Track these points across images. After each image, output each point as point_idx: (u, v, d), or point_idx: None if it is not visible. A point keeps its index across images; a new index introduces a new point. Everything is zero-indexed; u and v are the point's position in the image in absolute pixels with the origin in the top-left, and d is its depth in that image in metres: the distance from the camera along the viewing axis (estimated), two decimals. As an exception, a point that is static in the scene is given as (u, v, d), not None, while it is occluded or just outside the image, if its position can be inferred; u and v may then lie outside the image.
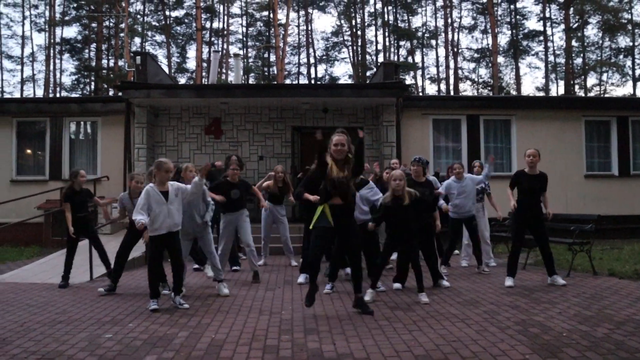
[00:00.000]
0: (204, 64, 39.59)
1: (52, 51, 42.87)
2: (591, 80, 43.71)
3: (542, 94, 41.82)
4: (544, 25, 42.94)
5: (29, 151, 16.10)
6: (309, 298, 6.23)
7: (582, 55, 41.51)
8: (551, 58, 43.02)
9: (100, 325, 5.90)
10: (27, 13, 43.98)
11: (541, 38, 43.17)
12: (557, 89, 42.85)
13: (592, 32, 50.30)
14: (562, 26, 41.57)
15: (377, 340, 5.18)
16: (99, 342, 5.24)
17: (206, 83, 28.80)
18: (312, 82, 42.75)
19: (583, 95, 39.27)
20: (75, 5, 42.65)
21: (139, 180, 8.11)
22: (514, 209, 8.01)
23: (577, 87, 41.53)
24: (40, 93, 42.20)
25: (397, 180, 7.00)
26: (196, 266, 9.89)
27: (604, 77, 42.65)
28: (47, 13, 43.41)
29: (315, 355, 4.74)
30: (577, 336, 5.19)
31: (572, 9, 39.77)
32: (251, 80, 43.13)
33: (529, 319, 5.95)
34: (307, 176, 7.00)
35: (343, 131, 6.49)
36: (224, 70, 40.67)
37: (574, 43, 40.83)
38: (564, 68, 41.50)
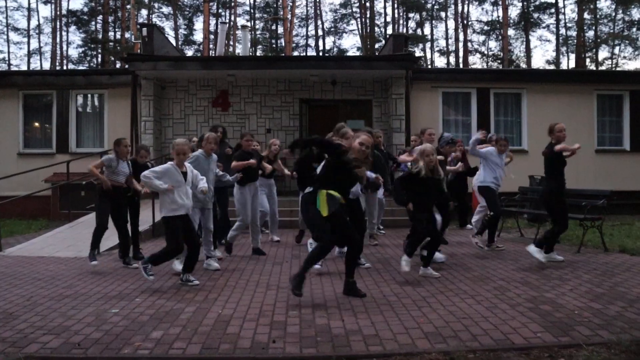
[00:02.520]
0: (211, 36, 39.23)
1: (58, 23, 42.63)
2: (603, 53, 43.22)
3: (552, 67, 41.24)
4: (556, -3, 42.27)
5: (35, 124, 16.09)
6: (299, 287, 6.04)
7: (594, 27, 40.92)
8: (562, 31, 42.45)
9: (107, 300, 5.87)
10: (33, -16, 43.67)
11: (552, 10, 42.46)
12: (568, 62, 42.32)
13: (605, 4, 49.70)
14: (574, -2, 40.93)
15: (386, 316, 5.12)
16: (106, 317, 5.20)
17: (213, 55, 28.58)
18: (320, 54, 42.36)
19: (594, 68, 38.73)
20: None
21: (126, 144, 8.01)
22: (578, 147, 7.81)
23: (588, 60, 40.97)
24: (47, 66, 42.09)
25: (429, 156, 6.86)
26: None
27: (616, 50, 42.16)
28: (53, -16, 43.08)
29: (324, 332, 4.68)
30: (589, 314, 5.10)
31: (585, -20, 39.13)
32: (259, 53, 42.79)
33: (540, 295, 5.86)
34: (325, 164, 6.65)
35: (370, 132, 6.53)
36: (231, 43, 40.35)
37: (586, 15, 40.25)
38: (575, 41, 40.90)
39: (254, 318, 5.12)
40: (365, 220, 6.42)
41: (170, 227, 6.62)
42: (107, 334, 4.68)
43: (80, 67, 40.72)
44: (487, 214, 9.20)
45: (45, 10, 68.25)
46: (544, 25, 43.33)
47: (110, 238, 8.82)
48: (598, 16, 40.83)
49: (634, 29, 40.69)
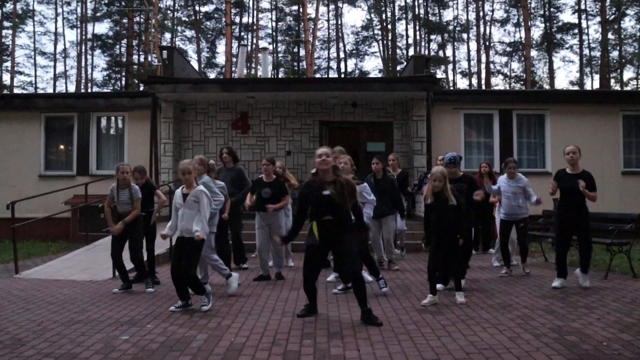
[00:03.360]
0: (234, 59, 39.48)
1: (83, 47, 43.29)
2: (628, 73, 42.67)
3: (576, 88, 40.79)
4: (579, 18, 41.89)
5: (57, 146, 16.15)
6: (304, 313, 6.04)
7: (618, 48, 40.44)
8: (586, 51, 41.98)
9: (117, 326, 5.74)
10: (59, 10, 44.52)
11: (576, 31, 42.08)
12: (592, 83, 41.82)
13: (629, 24, 48.99)
14: (598, 18, 40.49)
15: (403, 346, 4.91)
16: (115, 344, 5.06)
17: (234, 77, 28.68)
18: (342, 76, 42.38)
19: (619, 89, 38.21)
20: (106, 1, 42.92)
21: (123, 170, 7.83)
22: (552, 189, 7.62)
23: (612, 81, 40.46)
24: (72, 89, 42.59)
25: (436, 182, 6.67)
26: (243, 265, 9.76)
27: (641, 70, 41.57)
28: (79, 9, 43.88)
29: (338, 363, 4.49)
30: (618, 346, 4.84)
31: (608, 0, 38.73)
32: (281, 75, 42.95)
33: (565, 325, 5.61)
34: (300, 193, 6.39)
35: (338, 150, 6.27)
36: (253, 65, 40.60)
37: (610, 35, 39.77)
38: (599, 62, 40.42)
39: (267, 347, 4.95)
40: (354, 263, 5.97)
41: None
42: (115, 362, 4.55)
43: (105, 90, 41.20)
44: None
45: (72, 35, 69.49)
46: (567, 46, 42.98)
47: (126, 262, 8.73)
48: (622, 36, 40.35)
49: (659, 49, 40.18)
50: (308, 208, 5.99)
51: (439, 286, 7.46)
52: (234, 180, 9.56)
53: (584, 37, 42.15)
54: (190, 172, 6.69)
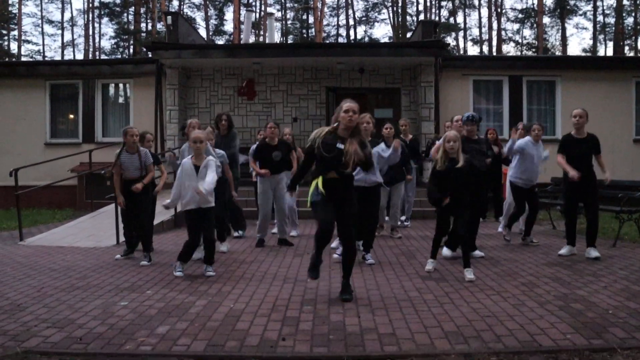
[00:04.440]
0: (242, 27, 39.01)
1: (91, 15, 42.97)
2: (642, 41, 41.87)
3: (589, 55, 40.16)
4: (594, -17, 41.11)
5: (62, 114, 16.06)
6: (313, 270, 5.61)
7: (634, 14, 39.66)
8: (600, 18, 41.26)
9: (117, 292, 5.69)
10: (66, -23, 44.05)
11: (590, -4, 41.36)
12: (606, 50, 41.19)
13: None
14: (613, -17, 39.70)
15: (405, 313, 4.83)
16: (113, 310, 5.01)
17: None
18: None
19: (633, 56, 37.57)
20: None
21: (133, 133, 7.44)
22: (577, 178, 7.36)
23: (627, 48, 39.83)
24: (80, 57, 42.37)
25: (450, 142, 6.43)
26: (237, 233, 9.59)
27: (656, 37, 40.86)
28: (86, -24, 43.40)
29: (338, 330, 4.42)
30: (624, 314, 4.74)
31: (624, -35, 37.92)
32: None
33: (571, 292, 5.50)
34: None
35: (353, 101, 5.60)
36: (261, 33, 40.16)
37: (625, 1, 38.97)
38: (613, 28, 39.67)
39: (266, 313, 4.88)
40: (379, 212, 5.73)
41: (186, 221, 6.71)
42: (111, 328, 4.50)
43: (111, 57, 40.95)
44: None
45: (79, 3, 69.07)
46: (580, 12, 42.20)
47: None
48: (638, 2, 39.54)
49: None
50: (313, 161, 5.58)
51: (446, 252, 7.38)
52: (227, 144, 9.31)
53: (598, 3, 41.37)
54: (202, 141, 6.57)
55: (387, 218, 9.94)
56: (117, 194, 7.52)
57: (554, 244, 8.50)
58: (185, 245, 6.57)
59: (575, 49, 53.57)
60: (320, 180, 5.37)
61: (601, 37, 41.52)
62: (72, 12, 47.83)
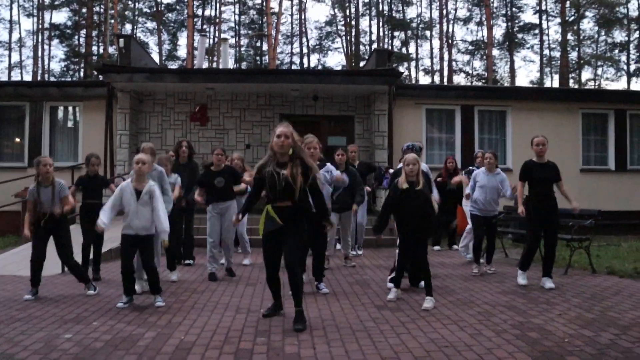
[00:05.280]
0: (195, 52, 38.81)
1: (40, 37, 42.09)
2: (586, 74, 43.51)
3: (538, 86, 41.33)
4: (540, 18, 42.45)
5: (7, 137, 15.53)
6: (270, 312, 5.70)
7: (577, 49, 41.10)
8: (546, 51, 42.58)
9: (61, 324, 5.41)
10: (15, -4, 43.13)
11: (537, 31, 42.68)
12: (552, 83, 42.34)
13: (588, 25, 49.87)
14: (558, 19, 41.03)
15: (361, 344, 4.72)
16: (56, 343, 4.75)
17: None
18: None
19: (580, 88, 38.84)
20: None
21: (46, 163, 6.93)
22: (522, 214, 7.43)
23: (571, 81, 41.05)
24: (28, 79, 41.38)
25: (410, 165, 6.38)
26: (187, 261, 9.33)
27: (599, 71, 42.40)
28: (35, -3, 42.60)
29: (293, 362, 4.27)
30: (580, 342, 4.74)
31: (568, 2, 39.30)
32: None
33: (527, 321, 5.49)
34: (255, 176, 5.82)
35: (288, 124, 5.55)
36: (215, 59, 40.02)
37: (569, 37, 40.37)
38: (559, 62, 40.99)
39: (219, 345, 4.70)
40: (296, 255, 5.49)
41: (120, 245, 6.47)
42: (53, 363, 4.25)
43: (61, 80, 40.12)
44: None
45: (28, 24, 67.73)
46: (528, 45, 43.52)
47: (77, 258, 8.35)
48: (581, 37, 41.04)
49: (616, 51, 40.98)
50: (262, 189, 5.57)
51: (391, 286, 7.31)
52: (190, 175, 9.16)
53: (545, 37, 42.78)
54: (146, 162, 6.39)
55: (339, 246, 9.84)
56: (25, 227, 7.03)
57: (508, 272, 8.54)
58: (121, 274, 6.31)
59: (523, 80, 55.19)
60: (270, 209, 5.33)
61: (548, 70, 42.81)
62: (20, 33, 46.79)
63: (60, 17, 51.74)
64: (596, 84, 41.77)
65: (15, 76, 42.51)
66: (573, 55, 41.20)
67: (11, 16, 43.20)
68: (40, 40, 42.11)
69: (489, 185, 8.44)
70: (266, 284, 5.81)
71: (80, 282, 7.10)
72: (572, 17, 40.05)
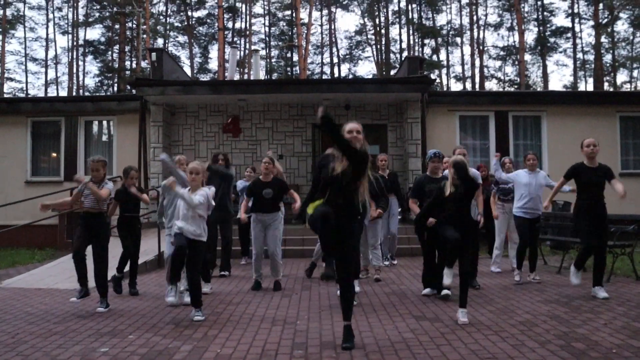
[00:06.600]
0: (226, 64, 39.16)
1: (75, 53, 42.94)
2: (621, 77, 42.57)
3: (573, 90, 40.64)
4: (572, 22, 41.80)
5: (44, 152, 15.79)
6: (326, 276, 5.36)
7: (612, 51, 40.36)
8: (579, 55, 41.90)
9: (97, 337, 5.40)
10: (50, 15, 44.14)
11: (569, 35, 42.01)
12: (586, 86, 41.66)
13: (622, 27, 49.02)
14: (591, 22, 40.34)
15: (400, 356, 4.61)
16: (93, 357, 4.74)
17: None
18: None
19: (617, 91, 38.10)
20: (98, 6, 42.66)
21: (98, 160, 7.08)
22: (547, 209, 7.28)
23: (606, 84, 40.28)
24: (64, 95, 42.16)
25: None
26: (223, 272, 9.32)
27: (635, 73, 41.53)
28: (70, 15, 43.51)
29: (331, 375, 4.18)
30: (629, 353, 4.55)
31: (601, 4, 38.62)
32: (273, 80, 42.63)
33: (571, 331, 5.31)
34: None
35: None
36: (245, 70, 40.32)
37: (603, 39, 39.65)
38: (593, 65, 40.29)
39: (256, 358, 4.63)
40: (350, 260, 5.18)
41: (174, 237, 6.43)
42: (90, 377, 4.23)
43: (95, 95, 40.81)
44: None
45: (63, 41, 69.11)
46: (560, 49, 42.87)
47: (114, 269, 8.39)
48: (615, 39, 40.29)
49: (653, 52, 40.17)
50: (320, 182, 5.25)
51: (427, 291, 7.23)
52: (225, 186, 9.13)
53: (577, 40, 42.10)
54: (199, 172, 6.36)
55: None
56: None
57: (548, 281, 8.34)
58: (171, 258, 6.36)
59: (556, 85, 54.33)
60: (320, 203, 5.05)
61: (581, 73, 42.11)
62: (56, 50, 47.88)
63: (94, 33, 52.54)
64: (632, 86, 40.91)
65: (52, 92, 43.43)
66: (607, 57, 40.46)
67: (47, 34, 44.21)
68: (75, 56, 43.02)
69: (533, 183, 8.30)
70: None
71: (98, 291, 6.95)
72: (606, 19, 39.34)
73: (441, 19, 51.73)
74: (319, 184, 5.25)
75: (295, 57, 43.02)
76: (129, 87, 38.02)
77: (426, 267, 7.47)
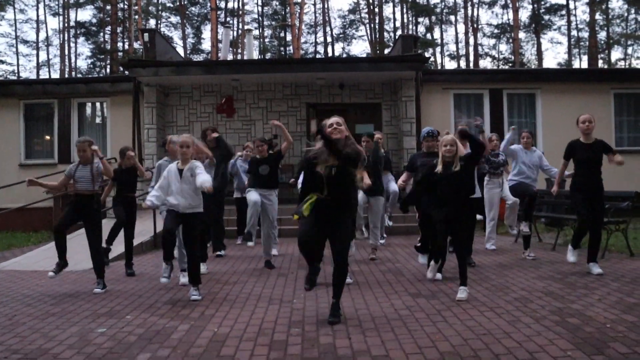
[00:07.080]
0: (219, 45, 38.86)
1: (66, 35, 42.53)
2: (616, 54, 42.52)
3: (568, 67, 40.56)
4: (567, -1, 41.65)
5: (37, 134, 15.72)
6: (309, 281, 5.34)
7: (606, 28, 40.24)
8: (574, 32, 41.76)
9: (94, 318, 5.42)
10: (41, -4, 43.61)
11: (564, 12, 41.80)
12: (580, 64, 41.55)
13: (616, 4, 48.85)
14: (586, -1, 40.24)
15: (397, 333, 4.64)
16: (90, 337, 4.75)
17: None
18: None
19: (611, 68, 38.04)
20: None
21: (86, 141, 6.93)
22: (554, 193, 7.34)
23: (601, 62, 40.21)
24: (56, 77, 41.80)
25: (447, 146, 6.16)
26: (218, 252, 9.33)
27: (629, 50, 41.49)
28: (60, -4, 43.01)
29: (328, 352, 4.21)
30: (623, 328, 4.59)
31: (596, -20, 38.49)
32: (267, 60, 42.33)
33: (565, 307, 5.35)
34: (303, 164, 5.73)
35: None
36: (239, 50, 40.06)
37: (597, 16, 39.52)
38: (587, 42, 40.19)
39: (252, 337, 4.65)
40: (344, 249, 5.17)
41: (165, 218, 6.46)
42: (89, 357, 4.24)
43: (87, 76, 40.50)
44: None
45: (54, 23, 68.39)
46: (555, 27, 42.71)
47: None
48: (610, 17, 40.14)
49: (648, 29, 40.08)
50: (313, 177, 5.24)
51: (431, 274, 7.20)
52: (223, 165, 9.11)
53: (572, 18, 41.90)
54: (189, 145, 6.32)
55: (366, 233, 9.70)
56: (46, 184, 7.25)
57: (542, 257, 8.39)
58: (162, 238, 6.32)
59: (551, 62, 54.30)
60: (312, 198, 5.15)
61: (576, 51, 42.02)
62: (47, 32, 47.39)
63: (85, 14, 52.22)
64: (626, 63, 40.85)
65: (44, 74, 43.02)
66: (602, 35, 40.38)
67: (37, 16, 43.74)
68: (66, 38, 42.56)
69: (528, 162, 8.53)
70: (297, 274, 5.64)
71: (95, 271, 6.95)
72: (600, -4, 39.21)
73: (435, -3, 51.44)
74: (311, 179, 5.27)
75: (289, 37, 42.77)
76: (121, 69, 37.79)
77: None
